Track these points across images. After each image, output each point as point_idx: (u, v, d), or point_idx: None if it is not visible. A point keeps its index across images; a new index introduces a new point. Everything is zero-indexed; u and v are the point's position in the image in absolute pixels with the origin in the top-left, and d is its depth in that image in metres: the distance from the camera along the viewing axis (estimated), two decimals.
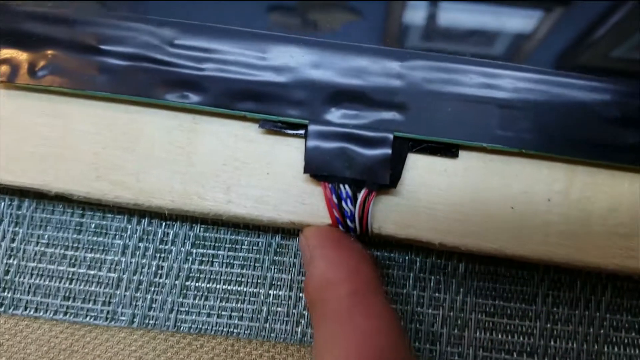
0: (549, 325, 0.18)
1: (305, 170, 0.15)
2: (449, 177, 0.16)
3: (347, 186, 0.15)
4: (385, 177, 0.15)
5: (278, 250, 0.19)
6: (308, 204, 0.16)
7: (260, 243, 0.19)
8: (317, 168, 0.15)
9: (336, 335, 0.13)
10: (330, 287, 0.14)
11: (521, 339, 0.18)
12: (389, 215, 0.16)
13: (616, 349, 0.18)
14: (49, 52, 0.16)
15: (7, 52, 0.16)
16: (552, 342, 0.18)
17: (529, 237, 0.15)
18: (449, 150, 0.16)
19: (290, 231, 0.19)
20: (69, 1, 0.16)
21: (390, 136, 0.15)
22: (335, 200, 0.15)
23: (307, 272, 0.15)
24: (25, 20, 0.16)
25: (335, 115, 0.15)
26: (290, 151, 0.16)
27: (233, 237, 0.19)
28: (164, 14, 0.16)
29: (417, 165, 0.16)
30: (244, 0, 0.17)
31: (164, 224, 0.19)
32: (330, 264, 0.15)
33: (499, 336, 0.18)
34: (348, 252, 0.15)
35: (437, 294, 0.18)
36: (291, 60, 0.15)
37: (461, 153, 0.16)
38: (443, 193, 0.16)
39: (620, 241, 0.15)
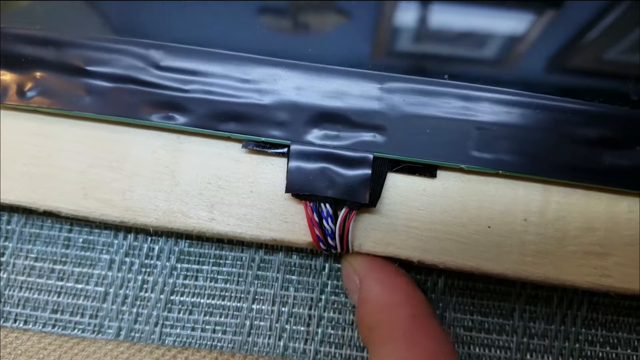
0: (525, 339, 0.19)
1: (287, 190, 0.16)
2: (428, 196, 0.16)
3: (328, 205, 0.16)
4: (365, 196, 0.15)
5: (261, 265, 0.19)
6: (290, 222, 0.16)
7: (243, 258, 0.19)
8: (298, 187, 0.16)
9: (402, 356, 0.14)
10: (389, 310, 0.15)
11: (498, 352, 0.19)
12: (369, 233, 0.16)
13: None
14: (38, 73, 0.16)
15: None
16: (528, 356, 0.19)
17: (505, 255, 0.16)
18: (427, 171, 0.16)
19: (273, 247, 0.19)
20: (56, 24, 0.17)
21: (370, 156, 0.16)
22: (316, 218, 0.16)
23: (360, 297, 0.16)
24: (14, 42, 0.17)
25: (316, 135, 0.16)
26: (273, 170, 0.17)
27: (217, 252, 0.19)
28: (150, 35, 0.17)
29: (397, 185, 0.16)
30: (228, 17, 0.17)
31: (149, 239, 0.19)
32: (386, 288, 0.15)
33: (477, 350, 0.19)
34: (400, 277, 0.16)
35: None
36: (274, 83, 0.16)
37: (439, 173, 0.16)
38: (422, 212, 0.16)
39: (595, 260, 0.16)
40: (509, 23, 0.17)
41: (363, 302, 0.15)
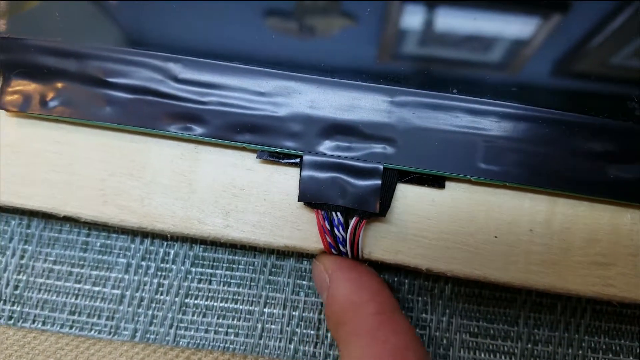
0: (529, 345, 0.19)
1: (300, 199, 0.16)
2: (436, 206, 0.17)
3: (339, 214, 0.16)
4: (375, 206, 0.16)
5: (273, 270, 0.20)
6: (302, 229, 0.17)
7: (256, 263, 0.20)
8: (311, 197, 0.16)
9: (367, 352, 0.14)
10: (356, 308, 0.15)
11: (503, 358, 0.19)
12: (379, 241, 0.17)
13: None
14: (59, 84, 0.17)
15: (20, 84, 0.17)
16: None
17: (512, 264, 0.16)
18: (436, 182, 0.17)
19: (285, 252, 0.20)
20: (78, 36, 0.17)
21: (381, 167, 0.16)
22: (327, 226, 0.17)
23: (329, 295, 0.16)
24: (37, 53, 0.17)
25: (328, 147, 0.17)
26: (286, 180, 0.17)
27: (230, 257, 0.20)
28: (168, 48, 0.17)
29: (406, 195, 0.17)
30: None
31: (165, 244, 0.20)
32: (353, 286, 0.16)
33: (482, 356, 0.19)
34: (367, 275, 0.17)
35: (424, 315, 0.19)
36: (288, 96, 0.17)
37: (448, 184, 0.17)
38: (430, 222, 0.17)
39: (599, 270, 0.16)
40: (515, 38, 0.18)
41: (331, 299, 0.16)
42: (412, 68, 0.17)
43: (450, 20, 0.18)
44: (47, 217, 0.20)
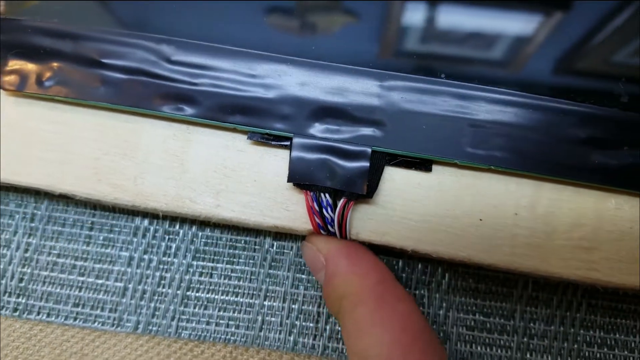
0: (525, 339, 0.20)
1: (289, 180, 0.17)
2: (423, 189, 0.17)
3: (327, 195, 0.17)
4: (363, 188, 0.16)
5: (273, 264, 0.20)
6: (292, 210, 0.17)
7: (256, 257, 0.20)
8: (300, 178, 0.17)
9: (374, 319, 0.15)
10: (359, 278, 0.16)
11: (499, 352, 0.20)
12: (367, 222, 0.17)
13: None
14: (55, 64, 0.18)
15: (17, 63, 0.18)
16: (528, 356, 0.20)
17: (496, 247, 0.17)
18: (423, 165, 0.17)
19: (284, 247, 0.20)
20: (73, 18, 0.18)
21: (369, 150, 0.17)
22: (316, 207, 0.17)
23: (327, 272, 0.17)
24: (34, 34, 0.18)
25: (318, 129, 0.17)
26: (276, 161, 0.18)
27: (231, 251, 0.20)
28: (162, 30, 0.18)
29: (394, 178, 0.17)
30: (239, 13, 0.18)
31: (167, 237, 0.21)
32: (352, 260, 0.17)
33: (479, 349, 0.20)
34: (362, 249, 0.17)
35: (421, 308, 0.20)
36: (278, 78, 0.17)
37: (435, 168, 0.17)
38: (417, 204, 0.17)
39: (583, 254, 0.17)
40: (503, 25, 0.18)
41: (332, 275, 0.16)
42: (402, 53, 0.17)
43: (440, 10, 0.18)
44: (51, 210, 0.21)
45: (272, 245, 0.20)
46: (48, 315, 0.20)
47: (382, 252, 0.19)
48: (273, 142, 0.17)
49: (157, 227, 0.20)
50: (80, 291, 0.20)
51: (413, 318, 0.15)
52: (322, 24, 0.18)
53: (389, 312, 0.15)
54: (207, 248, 0.20)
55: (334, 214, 0.17)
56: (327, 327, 0.20)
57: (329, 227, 0.17)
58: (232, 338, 0.20)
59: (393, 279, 0.16)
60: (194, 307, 0.20)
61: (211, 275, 0.20)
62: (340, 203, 0.17)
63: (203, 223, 0.20)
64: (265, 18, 0.18)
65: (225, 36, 0.17)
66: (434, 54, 0.18)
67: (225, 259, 0.20)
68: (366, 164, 0.17)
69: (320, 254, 0.17)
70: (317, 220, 0.17)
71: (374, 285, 0.15)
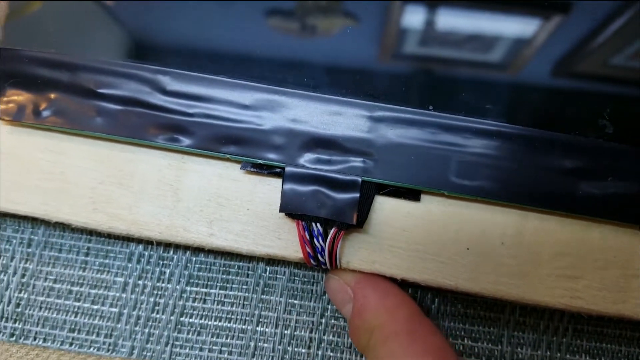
0: None
1: (281, 210, 0.17)
2: (412, 218, 0.18)
3: (318, 224, 0.17)
4: (353, 218, 0.17)
5: (265, 289, 0.21)
6: (283, 239, 0.18)
7: (249, 282, 0.21)
8: (292, 208, 0.17)
9: (410, 350, 0.15)
10: (390, 311, 0.17)
11: None
12: (357, 251, 0.18)
13: None
14: (52, 94, 0.18)
15: (14, 93, 0.18)
16: None
17: (483, 276, 0.17)
18: (412, 195, 0.18)
19: (277, 272, 0.21)
20: (70, 48, 0.18)
21: (359, 180, 0.17)
22: (307, 237, 0.18)
23: (356, 304, 0.17)
24: (31, 64, 0.18)
25: (309, 159, 0.18)
26: (269, 190, 0.18)
27: (224, 276, 0.21)
28: (157, 60, 0.18)
29: (383, 207, 0.18)
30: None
31: (161, 263, 0.21)
32: (382, 293, 0.17)
33: None
34: (390, 283, 0.18)
35: None
36: (271, 109, 0.18)
37: (423, 197, 0.18)
38: (406, 233, 0.18)
39: (567, 283, 0.17)
40: (488, 58, 0.19)
41: (362, 308, 0.17)
42: (391, 85, 0.18)
43: (428, 41, 0.19)
44: (47, 236, 0.21)
45: (265, 270, 0.21)
46: (44, 340, 0.20)
47: None
48: (266, 172, 0.18)
49: (152, 252, 0.21)
50: (76, 316, 0.21)
51: (447, 351, 0.16)
52: (313, 55, 0.19)
53: (422, 345, 0.15)
54: (201, 273, 0.21)
55: (325, 243, 0.18)
56: (319, 353, 0.20)
57: (319, 256, 0.18)
58: None
59: (421, 312, 0.17)
60: (188, 333, 0.20)
61: (204, 301, 0.21)
62: (331, 233, 0.17)
63: (197, 249, 0.21)
64: (258, 48, 0.19)
65: (219, 67, 0.18)
66: (420, 87, 0.18)
67: (218, 284, 0.21)
68: (356, 194, 0.17)
69: (347, 287, 0.18)
70: (308, 249, 0.18)
71: (406, 318, 0.16)
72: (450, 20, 0.19)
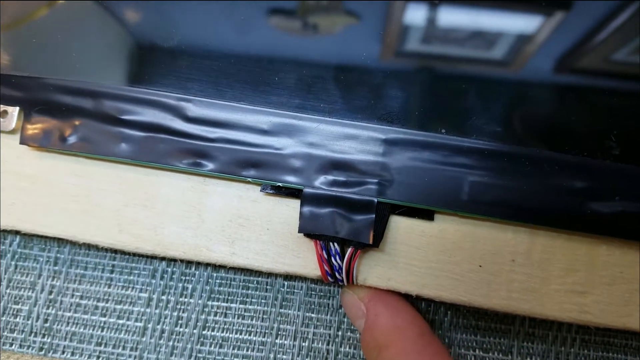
0: None
1: (300, 230, 0.18)
2: (426, 237, 0.19)
3: (336, 244, 0.18)
4: (369, 238, 0.18)
5: (284, 303, 0.22)
6: (302, 257, 0.19)
7: (268, 297, 0.22)
8: (310, 229, 0.18)
9: None
10: (400, 331, 0.17)
11: None
12: (373, 269, 0.19)
13: None
14: (77, 121, 0.19)
15: (40, 120, 0.19)
16: None
17: (495, 292, 0.18)
18: (426, 214, 0.19)
19: (294, 286, 0.22)
20: (94, 76, 0.19)
21: (375, 201, 0.18)
22: (325, 256, 0.19)
23: (368, 321, 0.18)
24: (56, 92, 0.19)
25: (326, 181, 0.18)
26: (287, 211, 0.19)
27: (244, 291, 0.22)
28: (179, 88, 0.19)
29: (398, 226, 0.19)
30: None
31: (183, 279, 0.22)
32: (393, 312, 0.18)
33: None
34: (402, 301, 0.19)
35: None
36: (289, 134, 0.19)
37: (437, 216, 0.19)
38: (420, 251, 0.19)
39: (576, 298, 0.18)
40: (496, 82, 0.20)
41: (372, 325, 0.18)
42: (404, 109, 0.19)
43: (434, 69, 0.20)
44: (73, 254, 0.22)
45: (283, 285, 0.22)
46: (72, 354, 0.21)
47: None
48: (284, 193, 0.19)
49: (174, 269, 0.22)
50: (102, 331, 0.22)
51: None
52: (328, 83, 0.19)
53: None
54: (222, 289, 0.22)
55: (342, 262, 0.18)
56: None
57: (337, 274, 0.19)
58: None
59: (431, 332, 0.18)
60: (210, 346, 0.22)
61: (226, 315, 0.22)
62: (348, 252, 0.18)
63: (218, 265, 0.22)
64: (277, 76, 0.19)
65: (239, 94, 0.19)
66: (435, 108, 0.19)
67: (238, 299, 0.22)
68: (372, 215, 0.18)
69: (360, 303, 0.19)
70: (326, 267, 0.19)
71: (415, 338, 0.17)
72: (459, 45, 0.20)
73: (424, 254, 0.19)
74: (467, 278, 0.19)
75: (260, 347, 0.22)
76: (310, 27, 0.21)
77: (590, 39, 0.20)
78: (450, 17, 0.21)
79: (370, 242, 0.18)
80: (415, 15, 0.21)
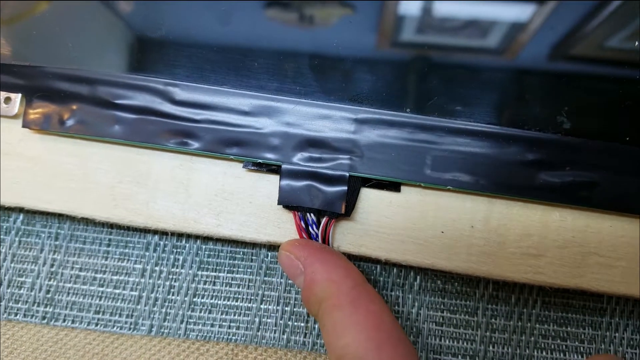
0: (488, 333, 0.24)
1: (279, 202, 0.21)
2: (393, 207, 0.21)
3: (312, 214, 0.21)
4: (342, 208, 0.20)
5: (267, 272, 0.24)
6: (282, 227, 0.21)
7: (253, 266, 0.24)
8: (288, 200, 0.21)
9: (351, 320, 0.18)
10: (335, 284, 0.19)
11: (465, 344, 0.24)
12: (346, 236, 0.21)
13: (544, 353, 0.23)
14: (74, 106, 0.22)
15: (41, 105, 0.22)
16: (490, 348, 0.24)
17: (456, 255, 0.21)
18: (393, 186, 0.21)
19: (277, 256, 0.24)
20: (89, 64, 0.22)
21: (347, 175, 0.21)
22: (303, 225, 0.21)
23: (306, 279, 0.19)
24: (55, 79, 0.22)
25: (302, 158, 0.21)
26: (268, 185, 0.22)
27: (231, 262, 0.25)
28: (167, 73, 0.21)
29: (369, 198, 0.21)
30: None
31: (175, 251, 0.25)
32: (329, 267, 0.19)
33: (447, 342, 0.24)
34: (336, 254, 0.20)
35: (396, 307, 0.24)
36: (268, 115, 0.21)
37: (403, 188, 0.21)
38: (388, 220, 0.21)
39: (531, 260, 0.21)
40: (458, 63, 0.22)
41: (310, 282, 0.19)
42: (373, 91, 0.21)
43: (399, 54, 0.22)
44: (72, 230, 0.25)
45: (267, 255, 0.24)
46: (72, 322, 0.24)
47: (362, 259, 0.23)
48: (265, 169, 0.21)
49: (166, 242, 0.25)
50: (100, 300, 0.24)
51: (384, 318, 0.18)
52: (302, 67, 0.22)
53: (363, 313, 0.18)
54: (210, 259, 0.24)
55: (318, 230, 0.21)
56: (316, 326, 0.24)
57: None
58: (234, 338, 0.24)
59: (365, 282, 0.19)
60: (200, 312, 0.24)
61: (214, 283, 0.24)
62: (323, 221, 0.21)
63: (206, 238, 0.25)
64: (256, 61, 0.22)
65: (222, 79, 0.21)
66: (400, 89, 0.21)
67: (226, 268, 0.24)
68: (344, 187, 0.21)
69: (298, 262, 0.20)
70: (304, 236, 0.21)
71: (349, 290, 0.18)
72: (421, 33, 0.22)
73: (391, 222, 0.21)
74: (430, 243, 0.21)
75: (246, 312, 0.24)
76: (291, 16, 0.23)
77: (540, 21, 0.23)
78: (408, 6, 0.23)
79: (343, 212, 0.20)
80: (387, 5, 0.23)
